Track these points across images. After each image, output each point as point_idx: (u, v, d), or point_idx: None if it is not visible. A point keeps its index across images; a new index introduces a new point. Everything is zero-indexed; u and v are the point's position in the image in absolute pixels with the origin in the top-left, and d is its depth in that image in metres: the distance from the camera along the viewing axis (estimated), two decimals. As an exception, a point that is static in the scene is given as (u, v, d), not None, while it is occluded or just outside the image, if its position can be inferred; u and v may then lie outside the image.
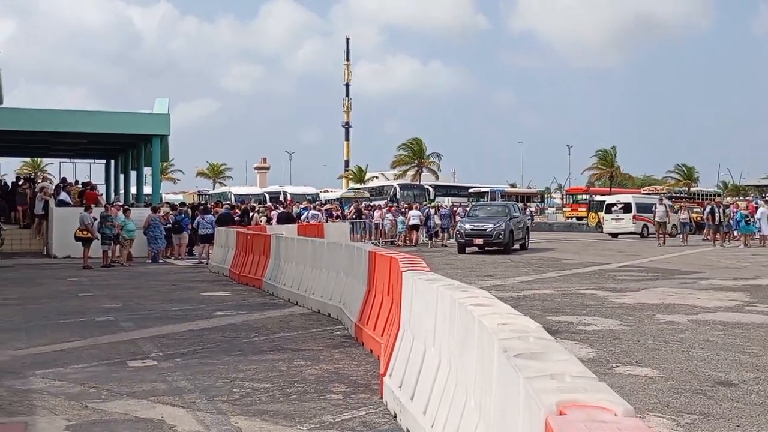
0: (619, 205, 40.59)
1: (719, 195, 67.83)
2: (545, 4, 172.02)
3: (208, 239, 23.26)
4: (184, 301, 13.90)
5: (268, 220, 30.23)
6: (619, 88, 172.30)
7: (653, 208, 32.66)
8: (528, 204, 59.33)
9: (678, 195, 59.89)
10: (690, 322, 10.89)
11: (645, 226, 38.31)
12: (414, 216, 33.46)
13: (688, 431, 5.76)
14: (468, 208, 35.08)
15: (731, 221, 31.89)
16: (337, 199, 57.97)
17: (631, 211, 39.63)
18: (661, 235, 30.86)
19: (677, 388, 7.04)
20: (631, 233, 39.28)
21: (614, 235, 39.68)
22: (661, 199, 34.15)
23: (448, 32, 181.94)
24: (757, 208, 32.04)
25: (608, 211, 41.47)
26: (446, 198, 61.55)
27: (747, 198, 56.25)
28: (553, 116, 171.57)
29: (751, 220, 30.43)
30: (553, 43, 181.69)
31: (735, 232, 32.02)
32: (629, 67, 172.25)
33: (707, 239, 34.37)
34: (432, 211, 34.98)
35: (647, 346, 9.09)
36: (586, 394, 2.54)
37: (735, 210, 32.24)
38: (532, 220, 46.01)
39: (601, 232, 46.47)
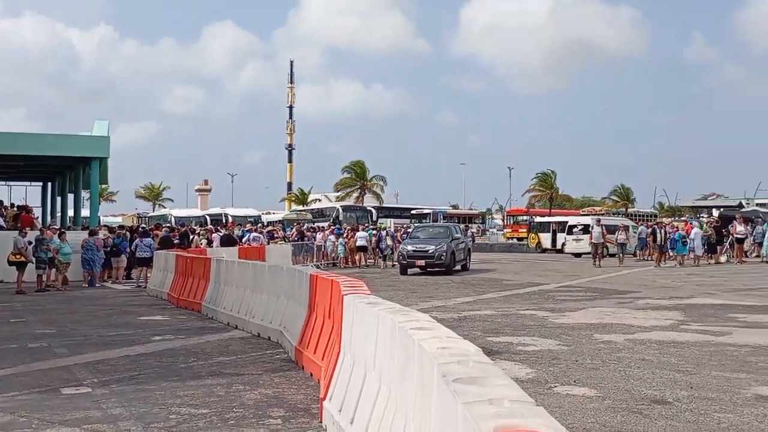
0: (579, 227, 41.27)
1: (655, 216, 69.29)
2: (486, 29, 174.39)
3: (147, 262, 22.89)
4: (120, 325, 13.63)
5: (209, 243, 29.89)
6: (559, 111, 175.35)
7: (615, 229, 33.64)
8: (470, 225, 59.81)
9: (617, 216, 60.94)
10: (627, 342, 11.07)
11: (605, 246, 39.09)
12: (361, 237, 33.57)
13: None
14: (410, 230, 35.25)
15: (667, 242, 32.58)
16: (280, 221, 57.65)
17: (589, 232, 40.35)
18: (597, 256, 31.38)
19: (614, 407, 7.14)
20: (589, 253, 40.04)
21: (577, 255, 40.35)
22: (598, 221, 34.71)
23: (390, 55, 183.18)
24: (692, 229, 32.78)
25: (569, 232, 42.24)
26: (388, 219, 61.69)
27: (684, 219, 57.53)
28: (495, 138, 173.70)
29: (687, 240, 31.13)
30: (494, 67, 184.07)
31: (670, 252, 32.70)
32: (568, 90, 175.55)
33: (644, 259, 35.08)
34: (384, 233, 35.25)
35: (585, 366, 9.21)
36: (523, 419, 2.55)
37: (672, 231, 32.93)
38: (474, 241, 46.34)
39: (542, 252, 47.05)
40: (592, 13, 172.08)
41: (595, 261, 31.15)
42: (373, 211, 66.45)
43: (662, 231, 32.33)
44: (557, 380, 8.38)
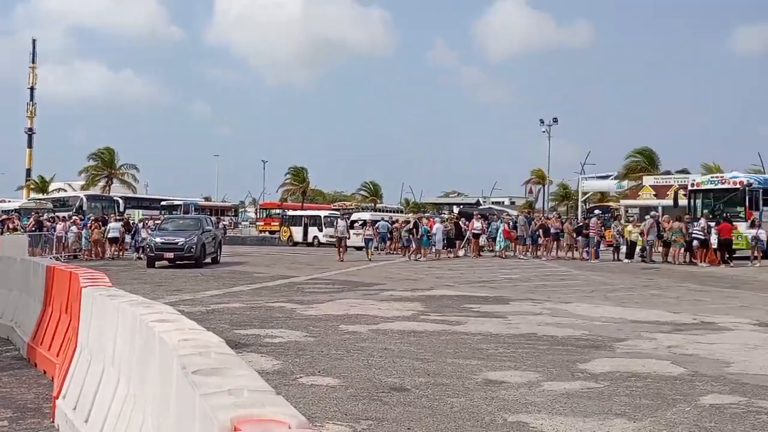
0: (360, 222, 42.04)
1: (401, 211, 72.27)
2: (240, 19, 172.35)
3: None
4: None
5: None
6: (311, 106, 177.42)
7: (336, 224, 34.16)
8: (222, 218, 59.11)
9: (367, 210, 62.83)
10: (370, 332, 11.47)
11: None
12: (113, 229, 32.25)
13: (365, 437, 6.05)
14: (159, 221, 34.24)
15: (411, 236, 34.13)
16: (16, 210, 53.67)
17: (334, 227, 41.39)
18: (342, 250, 31.89)
19: (356, 395, 7.37)
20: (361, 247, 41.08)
21: (359, 249, 41.15)
22: (343, 215, 35.47)
23: (141, 40, 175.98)
24: (434, 224, 34.50)
25: (351, 226, 43.02)
26: (137, 210, 59.48)
27: (427, 215, 60.48)
28: (249, 131, 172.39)
29: (431, 235, 32.72)
30: (247, 58, 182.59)
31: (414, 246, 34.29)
32: (319, 87, 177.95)
33: (390, 252, 36.50)
34: (141, 224, 34.07)
35: (330, 356, 9.43)
36: (262, 409, 2.56)
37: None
38: (225, 233, 45.88)
39: (294, 245, 47.48)
40: (344, 11, 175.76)
41: (339, 254, 31.74)
42: (120, 201, 63.71)
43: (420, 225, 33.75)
44: (303, 371, 8.51)
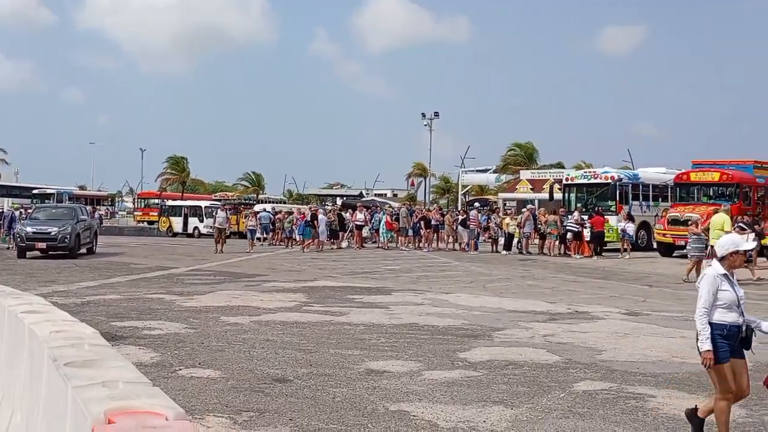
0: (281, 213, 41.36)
1: (284, 202, 71.81)
2: (114, 3, 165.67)
3: None
4: None
5: None
6: (190, 95, 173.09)
7: (215, 215, 33.28)
8: (98, 207, 57.23)
9: (248, 201, 62.13)
10: (253, 323, 11.35)
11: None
12: None
13: (245, 428, 5.98)
14: (30, 210, 32.84)
15: (295, 227, 33.97)
16: None
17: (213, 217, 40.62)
18: (221, 241, 30.48)
19: (237, 387, 7.28)
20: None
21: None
22: (224, 206, 34.67)
23: (9, 22, 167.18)
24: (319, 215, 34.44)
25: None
26: (7, 199, 56.89)
27: (311, 206, 60.33)
28: (126, 119, 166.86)
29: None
30: (122, 44, 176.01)
31: (298, 237, 34.12)
32: (198, 75, 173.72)
33: (272, 244, 36.22)
34: (17, 213, 32.58)
35: (211, 348, 9.28)
36: (138, 401, 2.48)
37: (300, 218, 34.31)
38: (101, 223, 44.42)
39: (173, 236, 46.46)
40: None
41: (217, 246, 30.26)
42: (-13, 188, 60.84)
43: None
44: (182, 363, 8.34)
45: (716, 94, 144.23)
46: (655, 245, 30.20)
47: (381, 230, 33.55)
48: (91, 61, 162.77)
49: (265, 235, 36.67)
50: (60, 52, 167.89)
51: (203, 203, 51.64)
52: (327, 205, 55.24)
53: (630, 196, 31.75)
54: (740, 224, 19.92)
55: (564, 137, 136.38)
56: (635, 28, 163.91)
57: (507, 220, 32.15)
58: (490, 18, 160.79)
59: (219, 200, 56.18)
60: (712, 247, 18.90)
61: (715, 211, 23.39)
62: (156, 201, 63.22)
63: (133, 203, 77.33)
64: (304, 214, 35.17)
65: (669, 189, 32.20)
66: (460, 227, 32.20)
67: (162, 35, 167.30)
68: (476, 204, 39.80)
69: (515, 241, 31.01)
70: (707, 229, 20.04)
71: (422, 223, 32.93)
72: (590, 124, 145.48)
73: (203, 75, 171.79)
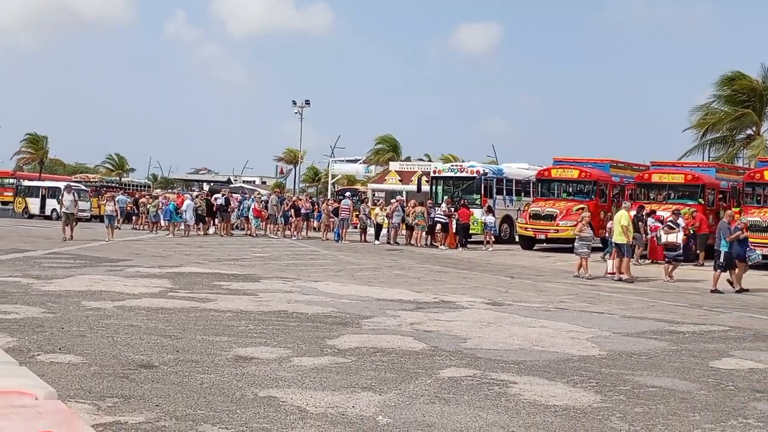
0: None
1: (149, 186, 69.91)
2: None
3: None
4: None
5: None
6: (44, 72, 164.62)
7: (61, 198, 30.47)
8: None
9: (110, 185, 60.10)
10: (116, 308, 11.02)
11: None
12: None
13: (110, 414, 5.82)
14: None
15: (160, 212, 33.19)
16: None
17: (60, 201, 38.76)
18: (70, 227, 26.83)
19: (100, 373, 7.06)
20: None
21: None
22: (68, 187, 31.90)
23: None
24: (184, 201, 33.75)
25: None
26: None
27: (176, 191, 58.95)
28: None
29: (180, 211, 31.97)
30: None
31: (163, 222, 33.35)
32: (53, 54, 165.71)
33: (135, 228, 35.26)
34: None
35: (72, 333, 8.96)
36: (4, 380, 2.38)
37: (165, 202, 33.53)
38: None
39: (29, 218, 44.45)
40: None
41: (66, 232, 26.62)
42: None
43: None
44: (41, 348, 8.02)
45: (570, 94, 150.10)
46: (517, 238, 31.23)
47: (249, 216, 33.25)
48: None
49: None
50: None
51: (63, 184, 49.63)
52: (194, 190, 54.14)
53: (494, 190, 32.71)
54: (669, 223, 20.71)
55: (426, 132, 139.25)
56: (490, 25, 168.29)
57: (376, 210, 32.47)
58: (348, 8, 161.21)
59: (79, 182, 54.02)
60: (615, 243, 19.69)
61: (617, 209, 24.29)
62: (11, 181, 60.23)
63: (-14, 182, 73.37)
64: (169, 198, 34.44)
65: (531, 184, 33.35)
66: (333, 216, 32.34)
67: (10, 8, 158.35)
68: (347, 193, 39.93)
69: (383, 231, 31.37)
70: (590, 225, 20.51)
71: (293, 211, 32.83)
72: (449, 120, 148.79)
73: (57, 52, 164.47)
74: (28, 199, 46.98)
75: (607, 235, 22.58)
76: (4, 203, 53.81)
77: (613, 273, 19.46)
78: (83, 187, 47.85)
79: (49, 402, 2.25)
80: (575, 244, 19.95)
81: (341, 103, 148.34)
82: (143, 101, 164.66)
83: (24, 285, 13.23)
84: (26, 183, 52.07)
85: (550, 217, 28.84)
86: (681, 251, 19.96)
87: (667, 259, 19.80)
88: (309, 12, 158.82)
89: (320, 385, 7.05)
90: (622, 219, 19.47)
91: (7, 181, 61.24)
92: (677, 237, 19.97)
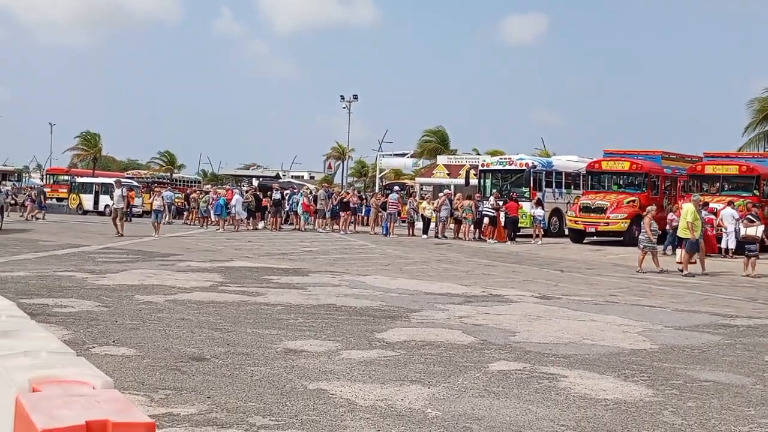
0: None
1: (199, 182, 70.81)
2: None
3: None
4: None
5: None
6: (98, 71, 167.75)
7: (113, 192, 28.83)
8: (4, 183, 55.30)
9: (161, 181, 61.01)
10: (168, 302, 11.18)
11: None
12: None
13: (162, 405, 5.91)
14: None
15: (211, 207, 33.59)
16: None
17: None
18: (120, 223, 26.63)
19: (153, 365, 7.18)
20: None
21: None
22: (118, 182, 30.00)
23: None
24: (233, 196, 34.13)
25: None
26: None
27: (226, 186, 59.62)
28: (31, 93, 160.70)
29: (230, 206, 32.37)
30: (17, 15, 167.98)
31: (213, 217, 33.76)
32: (105, 52, 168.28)
33: (188, 223, 35.75)
34: None
35: (125, 326, 9.11)
36: (62, 369, 2.43)
37: (215, 197, 33.92)
38: (8, 199, 42.98)
39: (84, 214, 45.30)
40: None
41: (117, 228, 26.32)
42: None
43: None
44: (95, 341, 8.17)
45: (620, 85, 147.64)
46: (566, 231, 30.96)
47: (299, 211, 33.48)
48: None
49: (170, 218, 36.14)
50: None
51: (121, 181, 50.45)
52: (243, 185, 54.66)
53: (544, 183, 32.47)
54: (750, 216, 20.32)
55: (474, 125, 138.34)
56: (537, 17, 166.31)
57: (424, 204, 32.45)
58: (392, 1, 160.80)
59: (131, 178, 54.90)
60: (679, 237, 19.32)
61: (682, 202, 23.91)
62: (65, 177, 61.48)
63: (42, 179, 74.99)
64: (219, 194, 34.81)
65: (581, 177, 33.03)
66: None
67: (61, 7, 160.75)
68: (396, 187, 39.96)
69: (432, 225, 31.34)
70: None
71: (341, 205, 32.97)
72: (497, 112, 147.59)
73: (109, 51, 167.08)
74: (82, 196, 47.84)
75: (667, 227, 22.24)
76: (59, 200, 54.91)
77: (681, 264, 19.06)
78: (135, 183, 48.63)
79: (106, 391, 2.29)
80: (640, 237, 19.62)
81: (388, 97, 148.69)
82: (193, 98, 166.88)
83: (79, 279, 13.50)
84: (80, 179, 53.07)
85: (601, 210, 28.52)
86: (757, 245, 19.21)
87: (746, 254, 19.20)
88: (353, 6, 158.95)
89: (369, 378, 7.08)
90: (687, 214, 19.08)
91: (61, 177, 62.53)
92: (757, 230, 19.40)
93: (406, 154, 64.93)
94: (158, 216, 29.37)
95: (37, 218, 36.48)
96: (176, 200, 39.75)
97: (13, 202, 41.27)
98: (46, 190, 44.72)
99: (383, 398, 6.40)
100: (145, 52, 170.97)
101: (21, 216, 37.91)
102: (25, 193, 42.78)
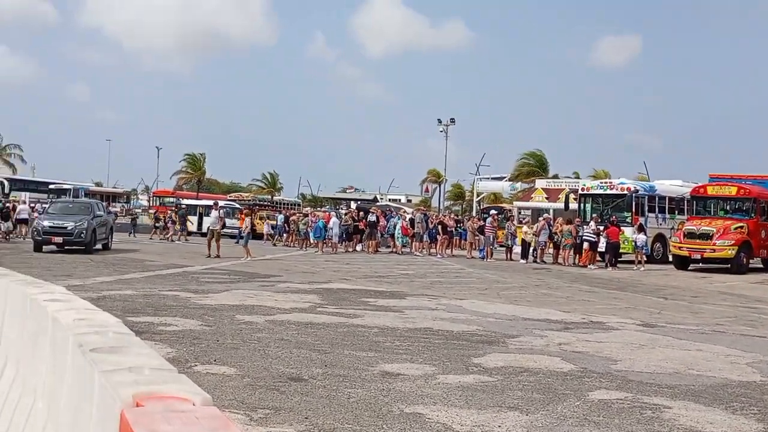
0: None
1: (299, 204, 71.96)
2: (111, 1, 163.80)
3: None
4: None
5: None
6: (197, 95, 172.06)
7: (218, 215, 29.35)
8: (113, 204, 57.56)
9: (262, 203, 62.27)
10: (267, 322, 11.36)
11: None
12: (23, 210, 33.27)
13: (261, 424, 5.99)
14: (47, 205, 33.26)
15: (310, 229, 34.08)
16: None
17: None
18: (217, 245, 26.80)
19: (252, 384, 7.28)
20: None
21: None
22: (216, 204, 31.38)
23: (12, 18, 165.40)
24: (330, 219, 34.57)
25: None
26: (24, 193, 57.33)
27: (324, 209, 60.40)
28: (137, 116, 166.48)
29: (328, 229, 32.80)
30: (122, 42, 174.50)
31: (312, 239, 34.23)
32: (201, 75, 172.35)
33: (287, 245, 36.33)
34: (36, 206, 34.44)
35: (226, 345, 9.29)
36: (164, 386, 2.49)
37: (314, 219, 34.39)
38: (116, 219, 44.65)
39: (188, 235, 46.54)
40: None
41: (209, 250, 26.57)
42: (5, 182, 61.18)
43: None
44: (197, 359, 8.35)
45: (723, 106, 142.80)
46: (670, 258, 30.06)
47: (396, 235, 33.59)
48: (91, 57, 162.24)
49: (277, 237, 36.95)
50: (62, 48, 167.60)
51: (219, 203, 51.77)
52: (342, 208, 55.27)
53: (646, 208, 31.64)
54: None
55: (570, 148, 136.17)
56: (630, 37, 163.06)
57: (524, 228, 32.10)
58: (485, 24, 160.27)
59: (233, 200, 56.24)
60: None
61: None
62: (171, 199, 63.49)
63: (149, 201, 77.68)
64: (318, 216, 35.29)
65: (685, 202, 32.06)
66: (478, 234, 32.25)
67: (162, 33, 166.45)
68: (492, 211, 39.67)
69: (531, 249, 30.95)
70: None
71: (439, 228, 32.93)
72: (592, 135, 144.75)
73: (207, 75, 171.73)
74: (187, 217, 49.22)
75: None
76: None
77: None
78: (237, 205, 49.72)
79: (205, 408, 2.33)
80: None
81: (484, 119, 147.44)
82: (291, 121, 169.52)
83: (183, 299, 13.87)
84: (185, 201, 54.70)
85: (706, 236, 27.58)
86: None
87: None
88: (445, 29, 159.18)
89: (466, 403, 7.00)
90: None
91: (167, 199, 64.62)
92: None
93: (504, 177, 64.43)
94: (246, 238, 28.42)
95: (180, 240, 38.80)
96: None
97: (157, 224, 43.19)
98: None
99: (480, 424, 6.31)
100: (242, 74, 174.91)
101: (163, 238, 40.05)
102: (166, 215, 44.92)
